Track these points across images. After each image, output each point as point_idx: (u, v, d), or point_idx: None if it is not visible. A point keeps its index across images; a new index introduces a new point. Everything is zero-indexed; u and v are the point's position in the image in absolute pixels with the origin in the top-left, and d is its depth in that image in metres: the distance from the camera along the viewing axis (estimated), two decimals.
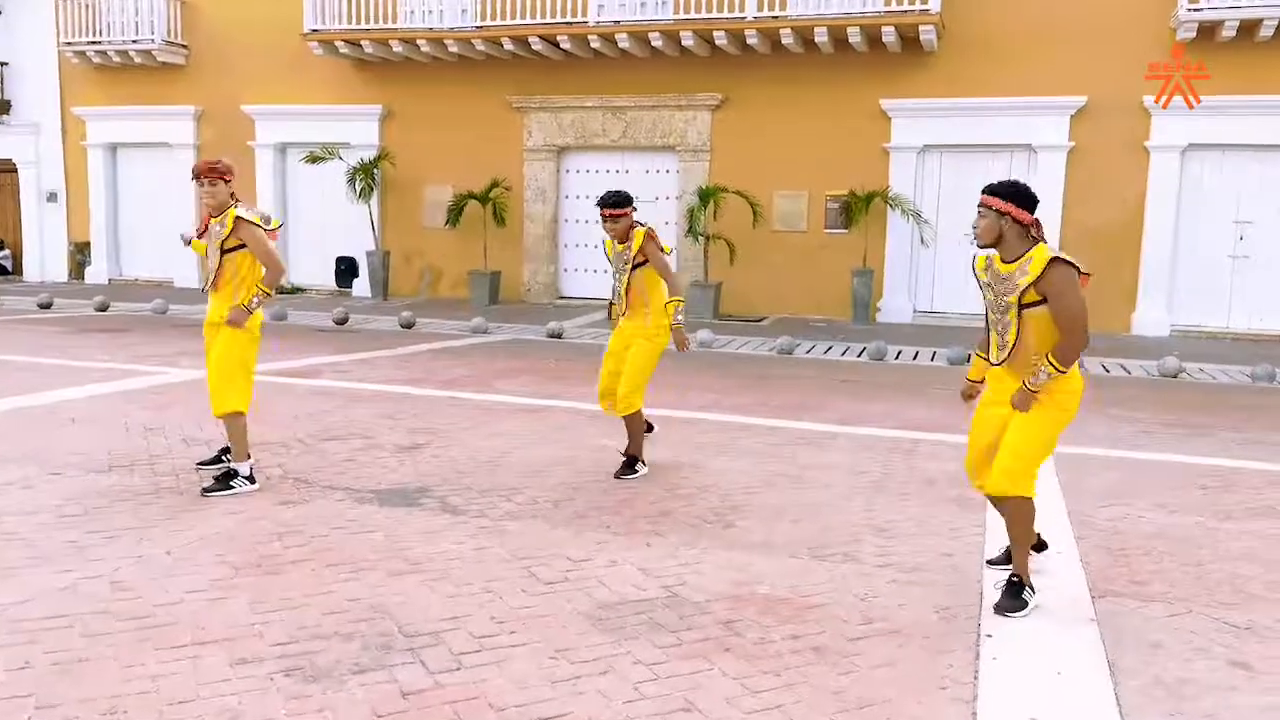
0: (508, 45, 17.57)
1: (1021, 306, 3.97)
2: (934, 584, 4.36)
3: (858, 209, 16.49)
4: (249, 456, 5.58)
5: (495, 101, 18.52)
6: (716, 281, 17.12)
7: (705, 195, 16.73)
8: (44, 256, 22.36)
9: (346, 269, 19.95)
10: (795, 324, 16.17)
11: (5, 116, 22.04)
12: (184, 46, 20.52)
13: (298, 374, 9.71)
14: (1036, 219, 4.04)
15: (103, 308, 16.45)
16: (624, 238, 5.97)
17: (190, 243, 6.00)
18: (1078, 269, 3.91)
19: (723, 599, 4.10)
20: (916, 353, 12.88)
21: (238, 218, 5.47)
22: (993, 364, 4.16)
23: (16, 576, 4.09)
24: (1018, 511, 4.12)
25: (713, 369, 11.03)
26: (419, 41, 17.92)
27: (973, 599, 4.18)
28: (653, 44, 16.91)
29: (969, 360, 4.01)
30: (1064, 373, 3.93)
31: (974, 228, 4.11)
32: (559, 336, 14.05)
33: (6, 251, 22.52)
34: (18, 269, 22.57)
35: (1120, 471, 6.50)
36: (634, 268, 5.93)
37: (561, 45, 17.27)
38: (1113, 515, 5.48)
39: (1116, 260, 15.58)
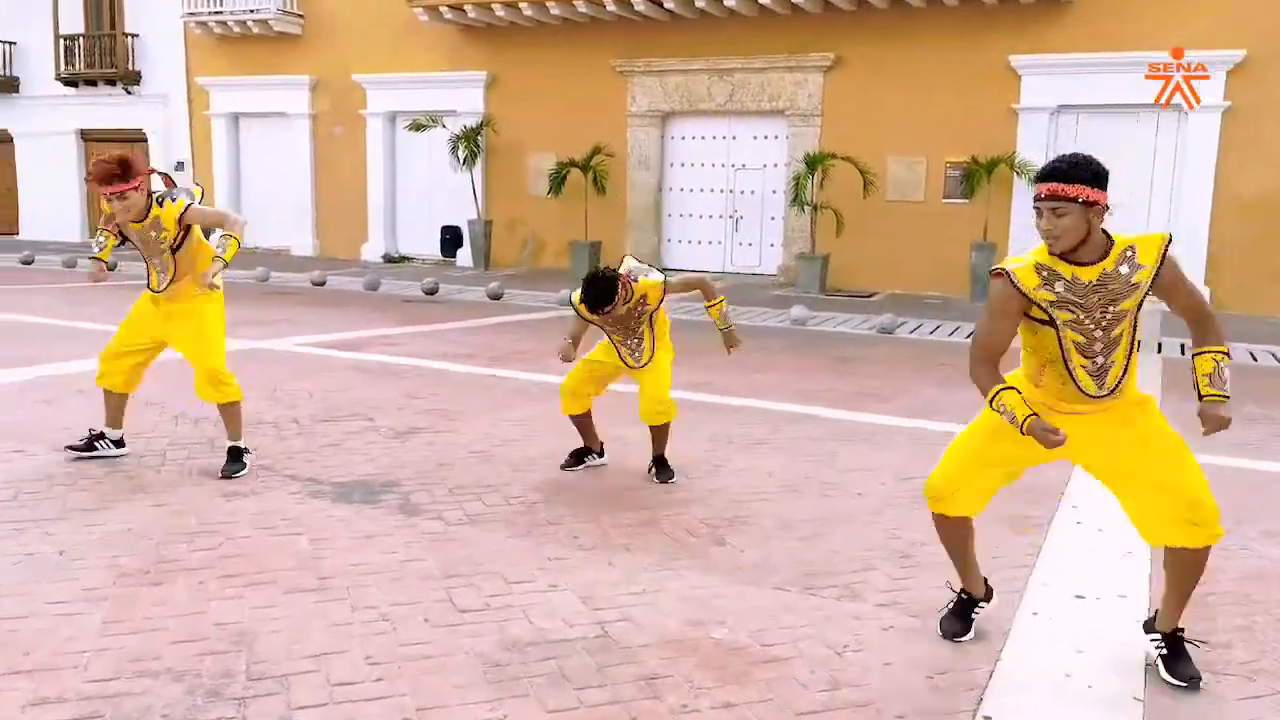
0: (611, 7, 16.84)
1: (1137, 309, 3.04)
2: (938, 639, 3.45)
3: (979, 177, 15.11)
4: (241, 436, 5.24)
5: (599, 66, 17.84)
6: (824, 254, 16.04)
7: (812, 162, 15.66)
8: None
9: (451, 238, 19.73)
10: (908, 300, 15.01)
11: (135, 87, 22.72)
12: (300, 16, 20.62)
13: (345, 346, 9.31)
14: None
15: None
16: (636, 308, 5.00)
17: (101, 253, 5.40)
18: None
19: (663, 644, 3.32)
20: None
21: (187, 208, 4.93)
22: (1092, 397, 3.10)
23: None
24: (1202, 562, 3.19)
25: (794, 349, 10.10)
26: (522, 5, 17.39)
27: (982, 662, 3.27)
28: (761, 2, 15.88)
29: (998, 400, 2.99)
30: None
31: (1044, 229, 2.95)
32: None
33: None
34: None
35: (1235, 486, 5.34)
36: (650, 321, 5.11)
37: (666, 5, 16.42)
38: None
39: (1273, 235, 13.76)
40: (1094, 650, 3.34)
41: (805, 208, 15.81)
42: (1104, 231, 2.98)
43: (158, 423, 6.10)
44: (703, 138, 17.94)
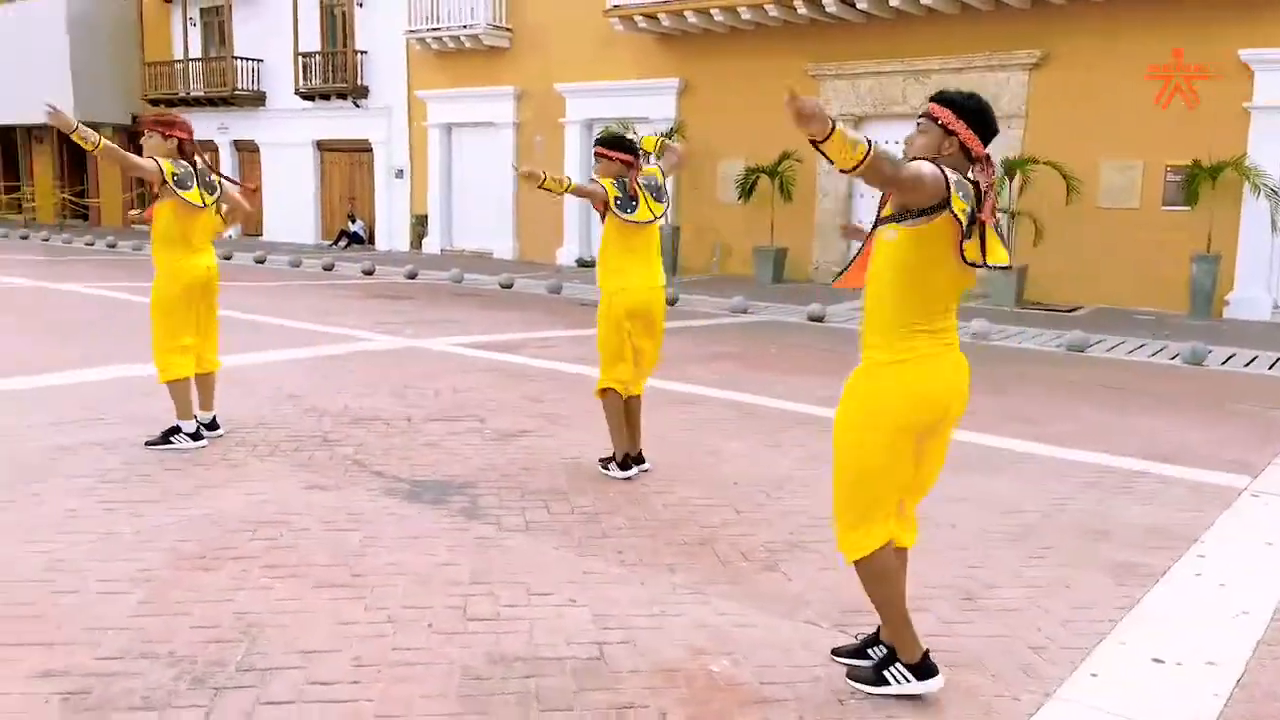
0: (802, 10, 16.53)
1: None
2: (969, 693, 3.09)
3: (1203, 182, 13.72)
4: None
5: (790, 70, 17.50)
6: (1021, 265, 15.05)
7: (1010, 167, 14.73)
8: (391, 228, 24.52)
9: None
10: (1115, 316, 13.86)
11: (363, 101, 24.35)
12: (508, 30, 21.46)
13: (497, 347, 9.55)
14: (988, 154, 2.83)
15: (411, 276, 17.60)
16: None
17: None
18: None
19: (654, 672, 3.15)
20: (1254, 358, 10.39)
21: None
22: None
23: None
24: (865, 581, 3.08)
25: None
26: (713, 11, 17.36)
27: None
28: None
29: None
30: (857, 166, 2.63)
31: (905, 143, 2.95)
32: (820, 320, 12.97)
33: (362, 223, 24.95)
34: (371, 239, 24.94)
35: None
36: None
37: (859, 6, 15.92)
38: None
39: None
40: (1157, 694, 2.90)
41: (999, 215, 14.89)
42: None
43: (287, 415, 6.44)
44: (896, 142, 17.20)
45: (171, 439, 5.56)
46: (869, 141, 2.48)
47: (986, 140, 2.86)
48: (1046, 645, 3.44)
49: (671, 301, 13.98)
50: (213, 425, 5.80)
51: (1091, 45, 14.81)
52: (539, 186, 4.98)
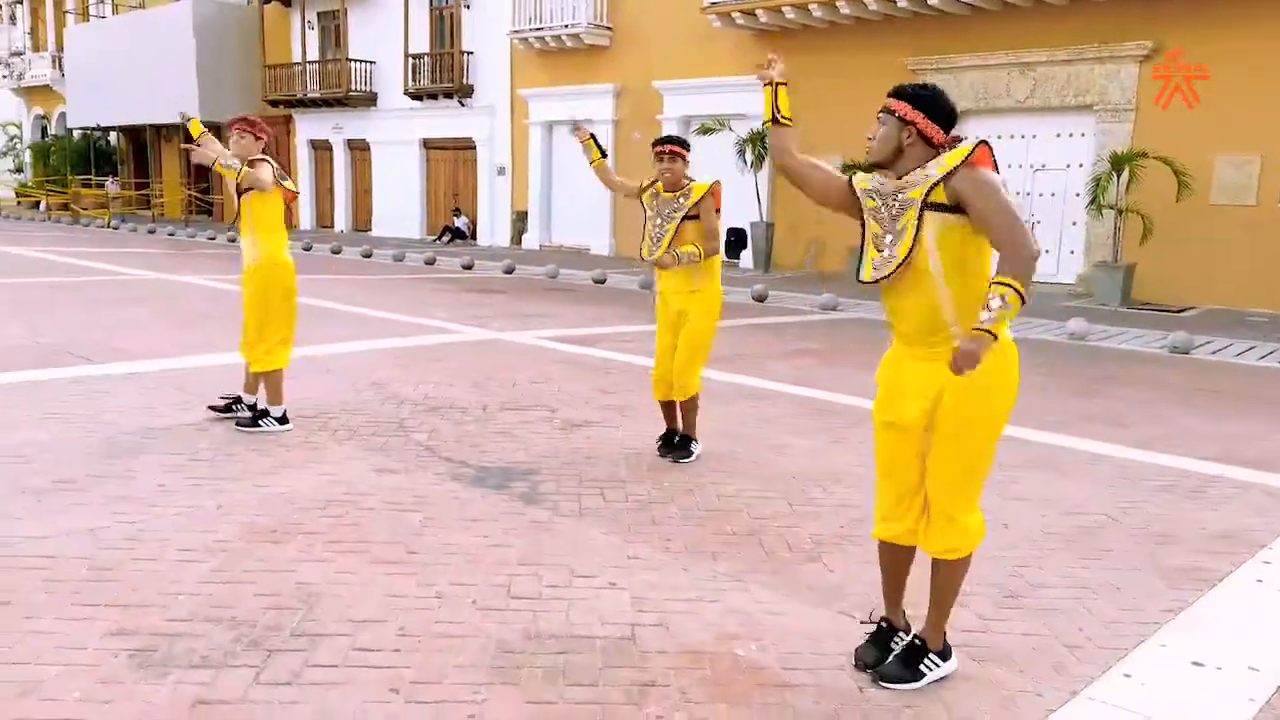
0: (904, 3, 16.31)
1: (926, 206, 2.85)
2: (992, 687, 3.09)
3: None
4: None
5: (890, 65, 17.27)
6: (1128, 263, 14.59)
7: (1119, 162, 14.28)
8: (493, 224, 25.07)
9: (735, 240, 19.94)
10: (1227, 317, 13.34)
11: (468, 100, 24.94)
12: (608, 28, 21.72)
13: (579, 340, 9.75)
14: (953, 137, 2.87)
15: (509, 270, 17.99)
16: (677, 186, 5.37)
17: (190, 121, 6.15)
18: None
19: (680, 654, 3.24)
20: None
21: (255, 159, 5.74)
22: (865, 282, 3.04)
23: (67, 514, 4.36)
24: (957, 574, 3.09)
25: (1048, 365, 9.31)
26: (812, 6, 17.27)
27: None
28: None
29: None
30: (1024, 299, 2.72)
31: (868, 139, 3.03)
32: None
33: (466, 219, 25.57)
34: (473, 235, 25.54)
35: None
36: (685, 218, 5.27)
37: None
38: None
39: None
40: None
41: (1105, 212, 14.44)
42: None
43: (369, 402, 6.73)
44: (999, 137, 16.82)
45: (260, 422, 5.88)
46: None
47: (948, 128, 2.92)
48: (1084, 645, 3.40)
49: (761, 298, 14.01)
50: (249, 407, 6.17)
51: (1206, 35, 14.25)
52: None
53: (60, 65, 36.72)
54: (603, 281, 16.35)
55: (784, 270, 18.63)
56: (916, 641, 3.16)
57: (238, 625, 3.35)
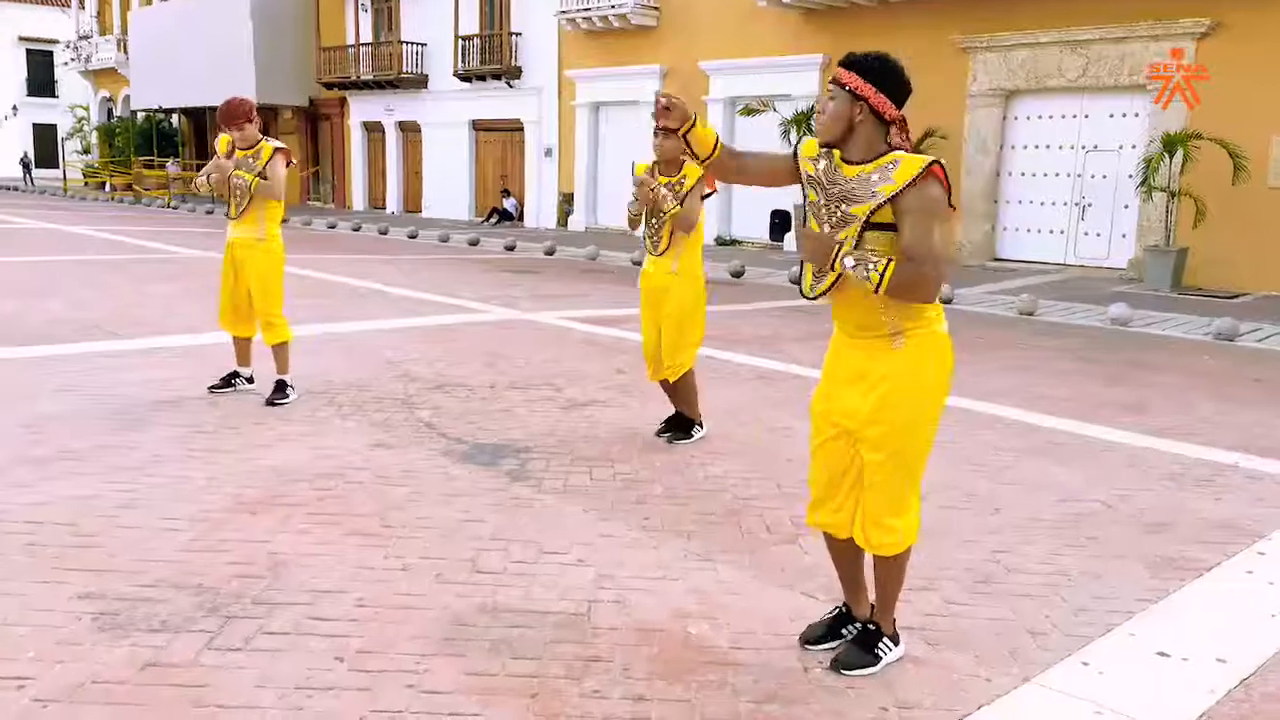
0: None
1: (868, 226, 2.75)
2: (941, 670, 3.04)
3: None
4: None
5: (939, 44, 16.96)
6: (1180, 247, 14.18)
7: (1171, 143, 13.86)
8: (540, 206, 25.16)
9: (780, 223, 19.82)
10: None
11: (516, 81, 25.01)
12: (655, 8, 21.61)
13: (603, 321, 9.77)
14: (903, 116, 2.76)
15: (549, 251, 18.05)
16: (677, 168, 5.23)
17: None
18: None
19: (630, 630, 3.24)
20: None
21: (275, 149, 5.94)
22: (808, 299, 2.98)
23: (64, 481, 4.48)
24: (895, 568, 3.02)
25: (1081, 350, 9.12)
26: None
27: (962, 705, 2.85)
28: None
29: None
30: (880, 288, 2.71)
31: (818, 113, 2.94)
32: (947, 302, 12.59)
33: (514, 201, 25.69)
34: (520, 216, 25.66)
35: None
36: (681, 202, 5.18)
37: None
38: None
39: None
40: (1109, 718, 2.79)
41: (1155, 194, 14.05)
42: (888, 144, 2.82)
43: (379, 378, 6.80)
44: (1049, 117, 16.49)
45: (288, 392, 6.03)
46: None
47: (900, 101, 2.79)
48: (1048, 632, 3.33)
49: (796, 280, 13.85)
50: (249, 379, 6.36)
51: (1267, 10, 13.73)
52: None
53: (125, 48, 37.58)
54: (640, 263, 16.30)
55: None
56: (870, 626, 3.12)
57: (203, 592, 3.42)
